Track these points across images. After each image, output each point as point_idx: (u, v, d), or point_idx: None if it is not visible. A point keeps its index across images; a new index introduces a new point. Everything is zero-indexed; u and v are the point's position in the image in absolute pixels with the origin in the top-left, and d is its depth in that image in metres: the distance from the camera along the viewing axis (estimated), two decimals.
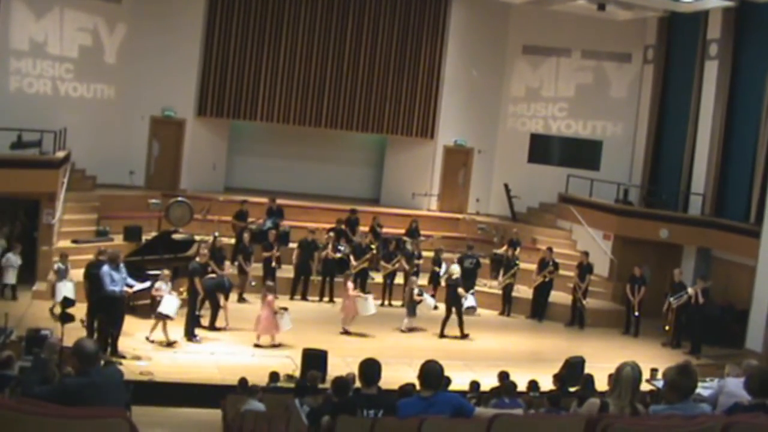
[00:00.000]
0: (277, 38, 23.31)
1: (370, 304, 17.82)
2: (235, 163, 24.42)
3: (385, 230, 21.68)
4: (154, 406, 12.08)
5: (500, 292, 20.36)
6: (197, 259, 16.98)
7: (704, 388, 10.41)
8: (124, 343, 14.92)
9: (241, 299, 18.78)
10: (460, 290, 18.09)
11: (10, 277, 17.17)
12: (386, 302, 20.02)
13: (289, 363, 14.82)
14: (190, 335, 15.94)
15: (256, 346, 15.92)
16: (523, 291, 20.71)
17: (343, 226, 21.16)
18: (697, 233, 20.62)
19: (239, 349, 15.81)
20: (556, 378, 13.11)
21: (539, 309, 20.23)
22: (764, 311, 17.84)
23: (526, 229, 22.87)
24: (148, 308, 16.71)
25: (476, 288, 20.09)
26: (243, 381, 12.52)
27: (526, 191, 23.95)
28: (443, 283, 19.06)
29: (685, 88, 22.01)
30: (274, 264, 19.44)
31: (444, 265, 20.17)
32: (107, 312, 14.70)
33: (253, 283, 19.04)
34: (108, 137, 21.52)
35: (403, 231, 21.80)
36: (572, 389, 12.67)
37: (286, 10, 23.26)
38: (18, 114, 18.44)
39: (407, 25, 23.99)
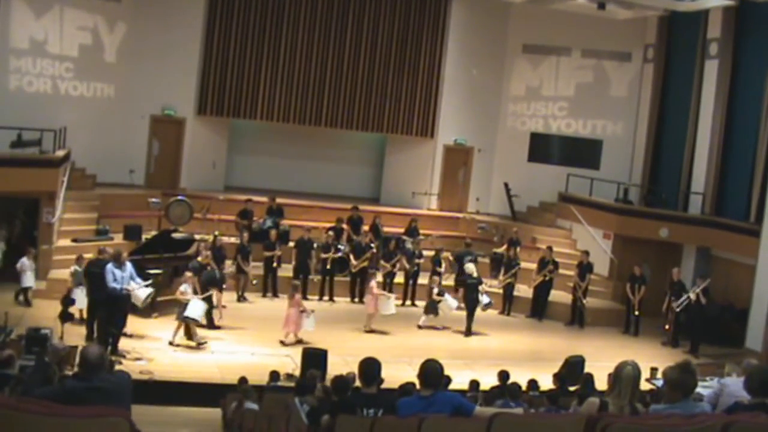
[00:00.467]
0: (277, 37, 23.31)
1: (391, 304, 18.17)
2: (235, 162, 24.42)
3: (385, 229, 21.66)
4: (153, 405, 12.07)
5: (500, 291, 20.36)
6: (199, 258, 16.99)
7: (704, 388, 10.42)
8: (128, 343, 14.97)
9: (241, 299, 18.78)
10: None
11: (27, 281, 16.74)
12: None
13: (289, 362, 14.83)
14: (189, 335, 15.93)
15: (282, 343, 16.08)
16: (523, 290, 20.70)
17: (344, 225, 21.15)
18: (697, 232, 20.63)
19: (239, 348, 15.80)
20: (556, 377, 13.11)
21: (539, 308, 20.24)
22: (764, 310, 17.83)
23: (526, 228, 22.87)
24: (148, 307, 16.74)
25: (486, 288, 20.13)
26: (243, 380, 12.54)
27: (526, 190, 23.95)
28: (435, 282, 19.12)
29: (685, 88, 22.01)
30: (275, 263, 19.45)
31: (444, 264, 20.27)
32: (109, 310, 14.70)
33: (255, 282, 19.06)
34: (108, 136, 21.53)
35: (402, 230, 21.79)
36: (572, 388, 12.66)
37: (286, 9, 23.25)
38: (18, 113, 18.44)
39: (407, 24, 23.99)
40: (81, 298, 15.40)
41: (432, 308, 18.56)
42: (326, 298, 19.90)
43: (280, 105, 23.53)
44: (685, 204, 21.73)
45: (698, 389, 9.95)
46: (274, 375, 13.39)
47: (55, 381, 6.52)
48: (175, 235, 18.98)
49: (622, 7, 21.78)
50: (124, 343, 14.84)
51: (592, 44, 23.98)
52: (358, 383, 7.24)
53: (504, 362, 14.89)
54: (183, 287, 15.83)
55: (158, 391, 12.97)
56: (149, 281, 16.02)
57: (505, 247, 21.30)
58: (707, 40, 21.31)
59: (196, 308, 15.54)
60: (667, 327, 18.97)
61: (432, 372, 6.17)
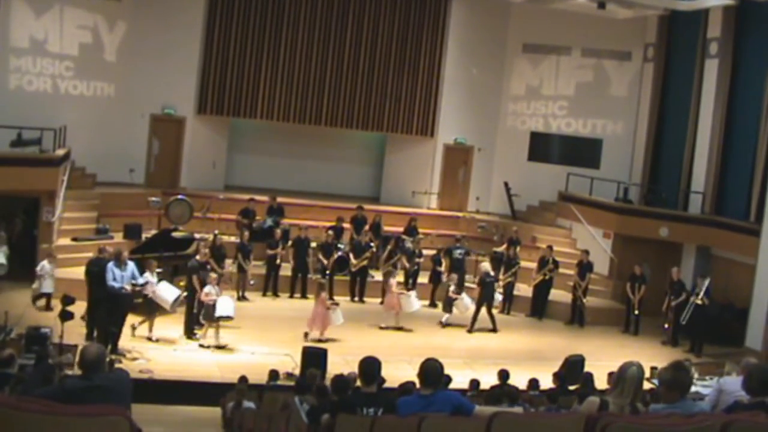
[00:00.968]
0: (277, 36, 23.31)
1: (413, 300, 18.36)
2: (235, 161, 24.42)
3: (384, 228, 21.66)
4: (153, 404, 12.08)
5: (500, 290, 20.35)
6: (197, 257, 16.99)
7: (704, 387, 10.44)
8: (128, 342, 14.98)
9: (241, 298, 18.78)
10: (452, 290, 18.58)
11: (47, 286, 16.46)
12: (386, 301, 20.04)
13: (288, 361, 14.83)
14: (189, 333, 15.95)
15: (314, 341, 16.19)
16: (523, 289, 20.71)
17: (345, 224, 21.16)
18: (697, 232, 20.63)
19: (239, 347, 15.80)
20: (556, 376, 13.11)
21: (539, 307, 20.24)
22: (764, 310, 17.83)
23: (526, 228, 22.87)
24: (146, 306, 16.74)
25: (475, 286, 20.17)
26: (243, 379, 12.54)
27: (526, 189, 23.95)
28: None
29: (685, 87, 22.01)
30: (279, 261, 19.43)
31: (444, 263, 20.32)
32: (109, 309, 14.70)
33: (252, 282, 19.06)
34: (108, 135, 21.53)
35: (402, 229, 21.79)
36: (572, 387, 12.67)
37: (286, 8, 23.25)
38: (18, 112, 18.45)
39: (407, 23, 23.99)
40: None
41: (447, 306, 18.78)
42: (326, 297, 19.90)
43: (280, 104, 23.54)
44: (685, 203, 21.74)
45: (698, 388, 9.98)
46: (274, 374, 13.39)
47: (55, 380, 6.53)
48: (175, 234, 18.99)
49: (622, 6, 21.78)
50: (123, 343, 14.86)
51: (592, 43, 23.97)
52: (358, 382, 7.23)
53: (504, 361, 14.93)
54: (207, 288, 15.83)
55: (158, 390, 12.98)
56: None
57: (505, 246, 21.31)
58: (707, 39, 21.31)
59: (227, 306, 15.56)
60: (666, 326, 18.98)
61: (432, 371, 6.17)
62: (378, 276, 20.41)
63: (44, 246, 18.01)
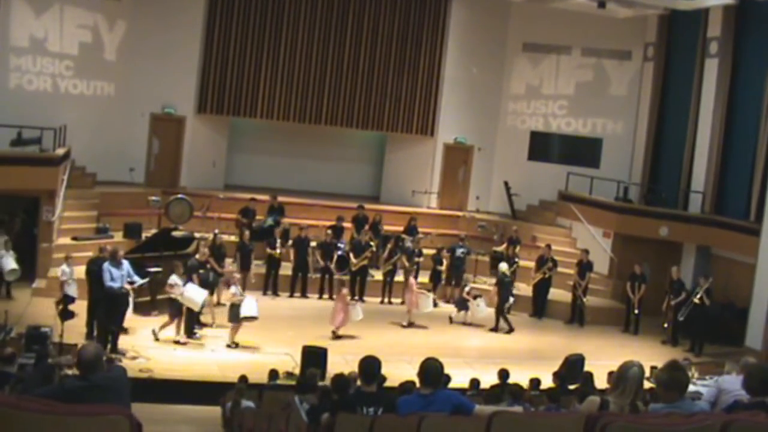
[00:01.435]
0: (277, 36, 23.31)
1: (429, 301, 18.58)
2: (235, 160, 24.42)
3: (384, 228, 21.67)
4: (153, 403, 12.08)
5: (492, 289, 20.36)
6: (197, 256, 17.00)
7: (704, 387, 10.43)
8: (128, 341, 14.98)
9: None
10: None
11: (72, 291, 15.85)
12: (386, 300, 20.06)
13: (288, 360, 14.83)
14: (189, 332, 15.95)
15: (336, 337, 16.59)
16: (523, 289, 20.71)
17: (345, 224, 21.16)
18: (697, 231, 20.63)
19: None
20: (556, 375, 13.12)
21: (539, 306, 20.24)
22: (764, 309, 17.83)
23: (526, 227, 22.87)
24: (148, 305, 16.76)
25: (475, 285, 20.17)
26: (243, 378, 12.55)
27: (526, 189, 23.94)
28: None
29: (685, 86, 22.00)
30: (280, 253, 19.41)
31: (445, 262, 20.34)
32: (108, 309, 14.71)
33: (253, 281, 19.06)
34: (108, 134, 21.53)
35: (402, 229, 21.79)
36: (572, 387, 12.67)
37: (286, 7, 23.25)
38: (18, 111, 18.44)
39: (407, 22, 23.98)
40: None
41: (462, 304, 18.96)
42: (326, 296, 19.90)
43: (280, 103, 23.53)
44: (685, 203, 21.73)
45: (698, 388, 9.97)
46: (274, 374, 13.39)
47: (55, 380, 6.53)
48: (175, 234, 18.99)
49: (622, 5, 21.78)
50: (123, 342, 14.87)
51: (592, 43, 23.97)
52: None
53: (504, 361, 14.93)
54: (233, 289, 15.96)
55: (158, 389, 13.00)
56: (146, 279, 16.08)
57: (504, 245, 21.31)
58: (707, 38, 21.30)
59: (252, 307, 15.66)
60: (666, 325, 18.98)
61: (432, 370, 6.17)
62: (378, 276, 20.41)
63: (44, 245, 18.03)
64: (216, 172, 23.64)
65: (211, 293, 17.07)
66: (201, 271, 16.50)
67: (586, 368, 13.86)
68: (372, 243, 20.57)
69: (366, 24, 23.77)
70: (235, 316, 15.58)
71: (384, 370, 6.70)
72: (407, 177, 24.49)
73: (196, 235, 19.25)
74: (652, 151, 23.21)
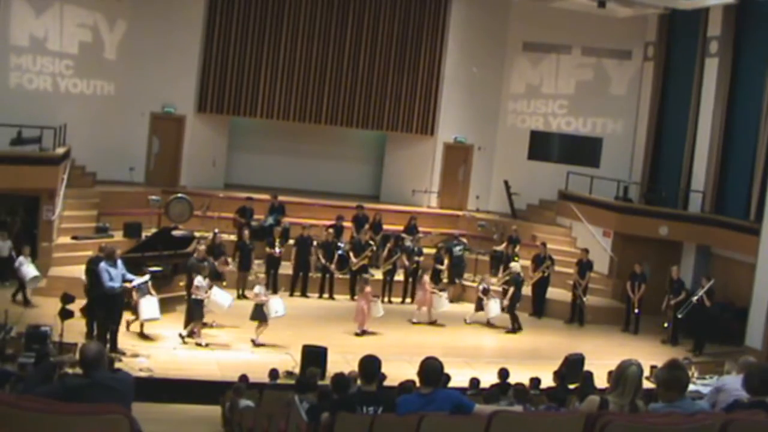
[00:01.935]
0: (277, 35, 23.30)
1: (444, 301, 18.73)
2: (234, 159, 24.41)
3: (384, 227, 21.67)
4: (153, 402, 12.08)
5: (500, 289, 20.36)
6: (195, 255, 17.00)
7: (704, 386, 10.44)
8: (127, 340, 14.99)
9: (241, 296, 18.76)
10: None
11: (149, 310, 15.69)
12: (386, 299, 20.05)
13: (288, 359, 14.83)
14: (189, 332, 15.93)
15: (357, 334, 17.02)
16: (523, 288, 20.68)
17: (345, 223, 21.15)
18: (697, 230, 20.63)
19: (239, 345, 15.82)
20: (556, 375, 13.12)
21: (538, 305, 20.23)
22: (764, 309, 17.84)
23: (526, 226, 22.87)
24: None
25: (475, 285, 20.19)
26: (243, 378, 12.55)
27: (526, 188, 23.95)
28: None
29: (685, 86, 22.00)
30: (280, 253, 19.42)
31: (446, 261, 20.36)
32: (107, 308, 14.70)
33: (251, 278, 19.05)
34: (108, 133, 21.53)
35: (402, 228, 21.79)
36: (572, 386, 12.67)
37: (286, 6, 23.25)
38: (18, 110, 18.43)
39: (407, 21, 23.98)
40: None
41: (479, 306, 19.12)
42: (326, 295, 19.91)
43: (280, 103, 23.53)
44: (685, 202, 21.74)
45: (698, 387, 9.99)
46: (274, 373, 13.39)
47: (55, 379, 6.53)
48: (175, 233, 18.98)
49: (622, 5, 21.77)
50: (123, 342, 14.88)
51: (592, 42, 23.96)
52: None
53: (504, 360, 14.94)
54: (257, 289, 16.11)
55: (158, 388, 12.99)
56: (146, 276, 16.08)
57: (504, 245, 21.31)
58: (707, 38, 21.30)
59: (279, 305, 16.08)
60: (666, 325, 18.98)
61: (432, 370, 6.17)
62: (378, 275, 20.42)
63: (44, 244, 18.03)
64: (216, 171, 23.64)
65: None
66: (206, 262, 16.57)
67: (586, 367, 13.84)
68: (372, 242, 20.58)
69: (366, 23, 23.77)
70: (261, 316, 15.73)
71: (384, 370, 6.69)
72: (407, 176, 24.49)
73: (196, 234, 19.24)
74: (652, 151, 23.21)
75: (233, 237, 19.95)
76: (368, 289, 17.60)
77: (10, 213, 18.55)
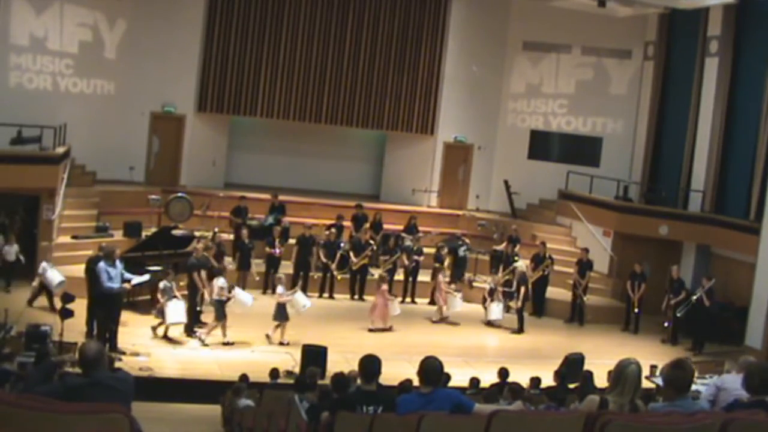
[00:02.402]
0: (277, 34, 23.30)
1: (458, 301, 18.95)
2: (235, 159, 24.40)
3: (384, 226, 21.67)
4: (153, 401, 12.08)
5: (499, 288, 20.35)
6: (194, 255, 17.01)
7: (704, 386, 10.43)
8: (126, 339, 14.98)
9: None
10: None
11: (176, 315, 15.70)
12: None
13: (288, 359, 14.83)
14: (189, 331, 15.96)
15: (371, 330, 17.46)
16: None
17: (345, 222, 21.15)
18: (697, 230, 20.63)
19: (239, 344, 15.82)
20: (556, 374, 13.12)
21: (538, 304, 20.23)
22: (764, 308, 17.84)
23: (526, 226, 22.86)
24: (148, 303, 16.75)
25: (475, 284, 20.19)
26: (243, 377, 12.56)
27: (526, 188, 23.94)
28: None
29: (685, 85, 21.99)
30: (280, 254, 19.43)
31: (446, 261, 20.38)
32: (106, 308, 14.70)
33: (257, 278, 19.09)
34: (108, 133, 21.52)
35: (402, 227, 21.79)
36: (572, 385, 12.67)
37: (286, 6, 23.24)
38: (18, 110, 18.42)
39: (407, 21, 23.98)
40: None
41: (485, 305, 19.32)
42: (326, 295, 19.91)
43: (280, 102, 23.53)
44: (685, 201, 21.73)
45: (698, 387, 9.97)
46: (275, 373, 13.40)
47: (56, 378, 6.53)
48: (175, 232, 18.98)
49: (622, 4, 21.77)
50: (128, 340, 14.89)
51: (592, 42, 23.96)
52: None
53: (504, 359, 14.94)
54: (279, 289, 16.28)
55: (158, 387, 13.00)
56: (146, 276, 16.10)
57: (504, 244, 21.31)
58: (707, 37, 21.29)
59: (305, 300, 16.66)
60: (666, 324, 18.98)
61: (432, 369, 6.17)
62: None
63: (44, 244, 18.02)
64: (216, 170, 23.63)
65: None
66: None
67: (586, 367, 13.85)
68: (372, 242, 20.58)
69: (366, 23, 23.76)
70: (281, 316, 15.91)
71: (384, 369, 6.68)
72: (407, 176, 24.49)
73: (196, 233, 19.24)
74: (652, 150, 23.21)
75: (232, 236, 19.94)
76: (384, 287, 17.86)
77: (9, 213, 18.53)
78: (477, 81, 24.38)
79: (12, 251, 17.15)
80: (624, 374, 5.63)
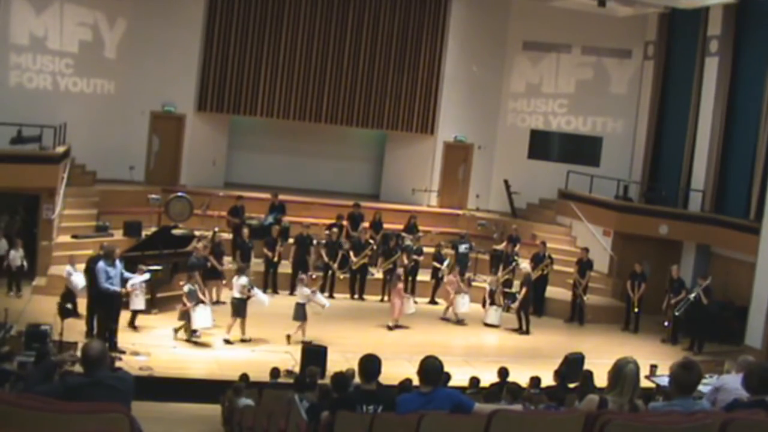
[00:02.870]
0: (277, 33, 23.30)
1: (466, 302, 19.00)
2: (234, 158, 24.41)
3: (384, 226, 21.66)
4: (153, 401, 12.09)
5: (500, 289, 20.36)
6: (194, 254, 17.01)
7: (703, 385, 10.43)
8: (126, 339, 14.99)
9: None
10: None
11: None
12: (385, 298, 20.05)
13: (288, 358, 14.84)
14: (190, 332, 15.95)
15: (389, 328, 17.77)
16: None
17: (344, 222, 21.15)
18: (697, 230, 20.63)
19: (239, 344, 15.83)
20: (556, 374, 13.12)
21: (537, 304, 20.22)
22: (764, 308, 17.84)
23: (526, 225, 22.87)
24: (148, 303, 16.74)
25: (475, 284, 20.18)
26: (244, 377, 12.55)
27: (526, 187, 23.94)
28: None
29: (685, 85, 21.99)
30: (276, 259, 19.45)
31: (447, 260, 20.34)
32: (106, 308, 14.70)
33: (252, 278, 19.06)
34: (108, 132, 21.52)
35: (402, 227, 21.78)
36: (572, 385, 12.67)
37: (286, 5, 23.24)
38: (18, 109, 18.43)
39: (407, 20, 23.98)
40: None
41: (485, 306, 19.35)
42: (326, 294, 19.88)
43: (280, 101, 23.53)
44: (685, 201, 21.74)
45: (698, 387, 9.97)
46: (275, 372, 13.40)
47: (56, 377, 6.53)
48: (175, 232, 18.98)
49: (622, 4, 21.76)
50: (129, 340, 14.89)
51: (592, 41, 23.96)
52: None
53: (504, 359, 14.94)
54: (301, 290, 16.37)
55: (158, 387, 12.99)
56: (147, 275, 16.10)
57: (504, 244, 21.31)
58: (707, 37, 21.29)
59: (324, 300, 16.98)
60: (666, 324, 18.99)
61: (432, 369, 6.17)
62: (378, 274, 20.42)
63: (44, 243, 18.02)
64: (216, 170, 23.64)
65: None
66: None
67: (586, 366, 13.84)
68: (372, 241, 20.58)
69: (366, 22, 23.76)
70: (301, 315, 16.08)
71: (384, 369, 6.68)
72: (407, 175, 24.48)
73: (196, 233, 19.23)
74: (652, 150, 23.22)
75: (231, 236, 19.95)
76: (400, 285, 18.11)
77: (10, 213, 18.53)
78: (477, 81, 24.39)
79: (17, 256, 17.09)
80: (622, 374, 5.63)
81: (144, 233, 19.47)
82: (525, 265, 19.62)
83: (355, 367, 7.00)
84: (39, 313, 15.45)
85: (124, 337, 14.99)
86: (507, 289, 19.79)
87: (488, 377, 13.05)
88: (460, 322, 18.89)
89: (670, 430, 5.19)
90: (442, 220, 23.64)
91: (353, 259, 19.86)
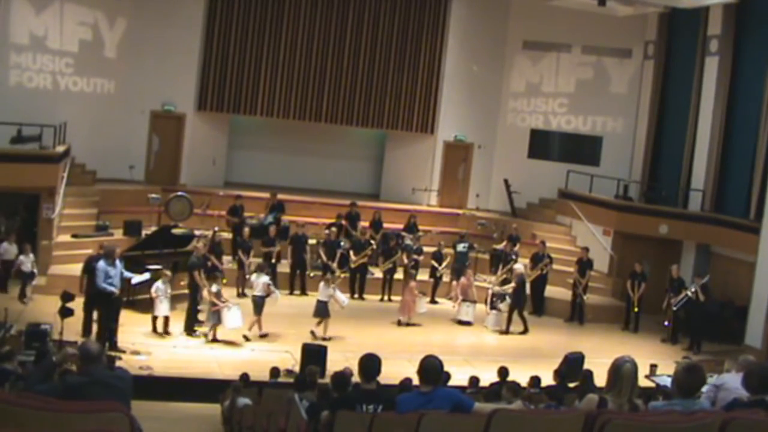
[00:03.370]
0: (277, 33, 23.30)
1: (470, 311, 19.04)
2: (234, 157, 24.41)
3: (384, 225, 21.66)
4: (153, 400, 12.09)
5: (499, 287, 20.36)
6: (195, 254, 17.01)
7: (704, 386, 10.43)
8: (127, 339, 14.99)
9: (241, 294, 18.76)
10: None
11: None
12: (385, 298, 20.06)
13: (288, 358, 14.83)
14: (189, 330, 15.96)
15: (400, 324, 18.09)
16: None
17: (343, 221, 21.15)
18: (697, 229, 20.63)
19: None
20: (556, 373, 13.11)
21: (537, 303, 20.22)
22: (764, 307, 17.84)
23: (526, 225, 22.87)
24: (148, 303, 16.73)
25: (475, 284, 20.18)
26: (244, 376, 12.55)
27: (526, 187, 23.94)
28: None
29: (685, 84, 21.99)
30: (273, 259, 19.47)
31: (445, 260, 20.36)
32: (104, 307, 14.69)
33: (248, 277, 19.06)
34: (108, 132, 21.53)
35: (402, 226, 21.78)
36: (572, 385, 12.67)
37: (286, 4, 23.25)
38: (18, 108, 18.44)
39: (407, 20, 23.97)
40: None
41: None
42: None
43: (280, 101, 23.53)
44: (685, 201, 21.73)
45: None
46: (275, 372, 13.40)
47: (56, 377, 6.53)
48: (175, 231, 18.98)
49: (622, 3, 21.77)
50: (122, 341, 14.88)
51: (592, 41, 23.96)
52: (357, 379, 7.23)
53: (504, 358, 14.93)
54: (331, 290, 16.65)
55: (158, 386, 13.00)
56: (147, 275, 16.10)
57: (504, 243, 21.31)
58: (707, 36, 21.29)
59: (344, 297, 17.22)
60: (666, 323, 18.98)
61: (432, 368, 6.17)
62: (378, 273, 20.41)
63: (44, 243, 18.02)
64: (216, 169, 23.65)
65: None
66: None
67: (586, 366, 13.83)
68: (372, 241, 20.58)
69: (366, 21, 23.76)
70: (322, 312, 16.38)
71: (384, 368, 6.69)
72: (407, 174, 24.49)
73: (196, 232, 19.23)
74: (652, 149, 23.22)
75: (231, 235, 19.95)
76: (413, 284, 18.26)
77: (11, 213, 18.52)
78: (477, 80, 24.39)
79: (28, 261, 17.02)
80: (620, 373, 5.64)
81: (144, 233, 19.48)
82: (518, 265, 19.53)
83: (355, 367, 7.00)
84: (39, 313, 15.46)
85: (124, 337, 14.98)
86: (501, 289, 19.71)
87: (488, 377, 13.05)
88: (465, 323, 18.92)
89: (670, 429, 5.19)
90: (442, 219, 23.63)
91: (353, 258, 19.85)
